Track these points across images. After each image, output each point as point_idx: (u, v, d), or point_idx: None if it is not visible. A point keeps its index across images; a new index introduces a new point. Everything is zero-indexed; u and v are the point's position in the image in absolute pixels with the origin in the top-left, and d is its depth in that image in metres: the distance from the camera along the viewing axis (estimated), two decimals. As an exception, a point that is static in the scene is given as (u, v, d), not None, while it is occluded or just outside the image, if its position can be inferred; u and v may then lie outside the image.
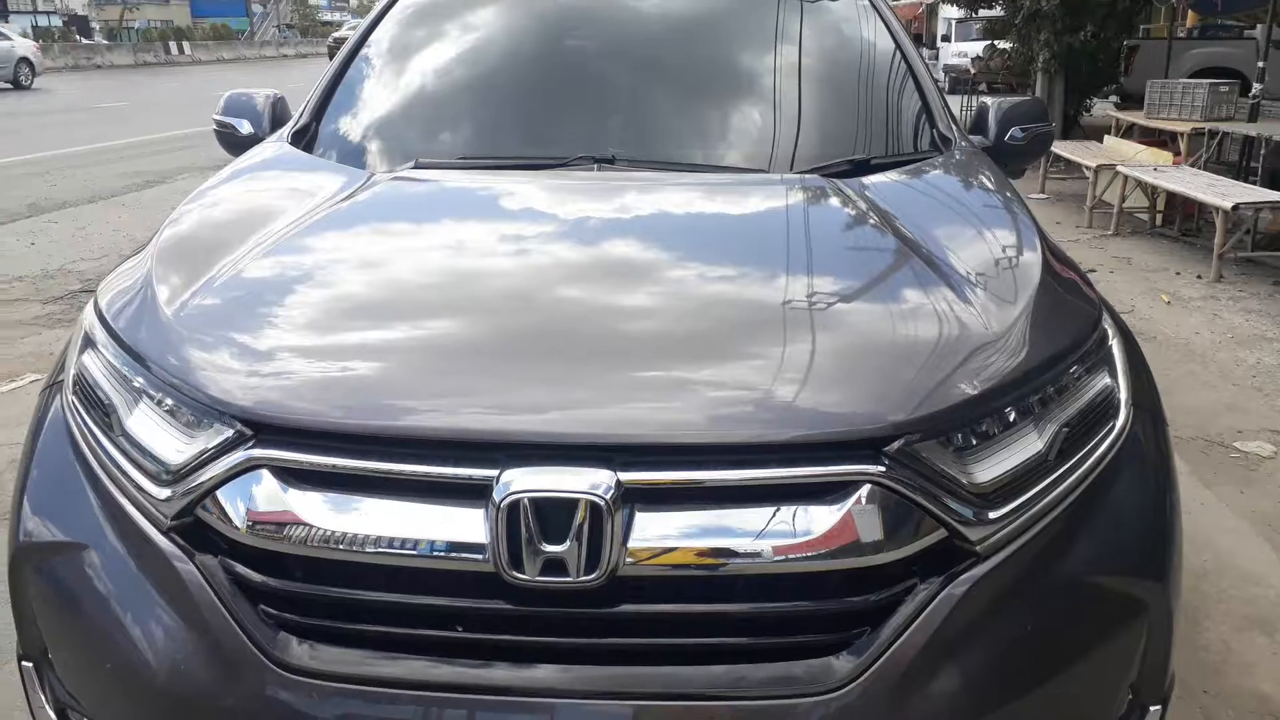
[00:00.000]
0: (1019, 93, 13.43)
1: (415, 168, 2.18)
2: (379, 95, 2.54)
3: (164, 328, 1.53)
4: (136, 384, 1.49)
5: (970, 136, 2.53)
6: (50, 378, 1.75)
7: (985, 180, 2.20)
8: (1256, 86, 7.66)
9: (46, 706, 1.55)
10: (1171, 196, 7.44)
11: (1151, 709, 1.50)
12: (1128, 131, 9.55)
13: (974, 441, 1.36)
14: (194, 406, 1.39)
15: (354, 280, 1.69)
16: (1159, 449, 1.62)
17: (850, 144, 2.34)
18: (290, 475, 1.31)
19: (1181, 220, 7.74)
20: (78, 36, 43.71)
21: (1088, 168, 8.24)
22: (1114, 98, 14.53)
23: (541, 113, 2.42)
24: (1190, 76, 10.93)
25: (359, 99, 2.53)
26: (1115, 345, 1.66)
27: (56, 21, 47.64)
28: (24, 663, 1.58)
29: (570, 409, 1.33)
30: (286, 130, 2.47)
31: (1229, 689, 2.38)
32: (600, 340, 1.49)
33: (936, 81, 2.58)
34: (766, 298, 1.61)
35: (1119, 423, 1.53)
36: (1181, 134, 8.24)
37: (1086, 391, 1.51)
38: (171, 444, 1.39)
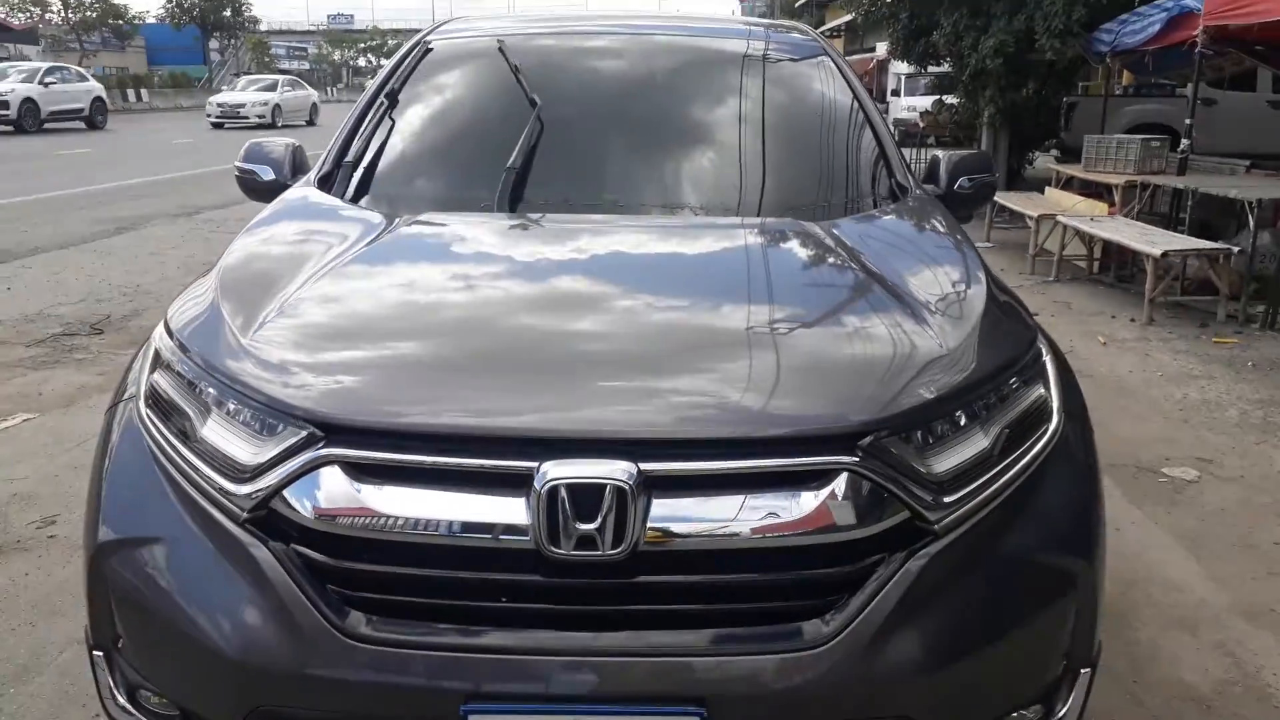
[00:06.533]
0: (966, 146, 14.06)
1: (435, 211, 2.46)
2: (396, 145, 2.81)
3: (237, 348, 1.75)
4: (209, 396, 1.71)
5: (924, 185, 2.85)
6: (115, 397, 1.97)
7: (938, 223, 2.51)
8: (1185, 142, 8.20)
9: (117, 689, 1.76)
10: (1108, 244, 7.92)
11: (1082, 672, 1.76)
12: (1067, 184, 10.07)
13: (931, 439, 1.63)
14: (270, 414, 1.61)
15: (400, 307, 1.94)
16: (1086, 450, 1.90)
17: (819, 192, 2.68)
18: (357, 470, 1.54)
19: (1117, 267, 8.21)
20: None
21: (1030, 217, 8.73)
22: (1054, 151, 15.24)
23: (546, 163, 2.68)
24: (1126, 132, 11.53)
25: (378, 148, 2.78)
26: (1049, 362, 1.95)
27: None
28: (95, 652, 1.78)
29: (599, 410, 1.59)
30: (312, 176, 2.74)
31: (1156, 679, 2.66)
32: (616, 355, 1.76)
33: (893, 136, 2.91)
34: (760, 320, 1.87)
35: (1051, 426, 1.81)
36: (1116, 186, 8.76)
37: (1024, 400, 1.79)
38: (246, 447, 1.61)
